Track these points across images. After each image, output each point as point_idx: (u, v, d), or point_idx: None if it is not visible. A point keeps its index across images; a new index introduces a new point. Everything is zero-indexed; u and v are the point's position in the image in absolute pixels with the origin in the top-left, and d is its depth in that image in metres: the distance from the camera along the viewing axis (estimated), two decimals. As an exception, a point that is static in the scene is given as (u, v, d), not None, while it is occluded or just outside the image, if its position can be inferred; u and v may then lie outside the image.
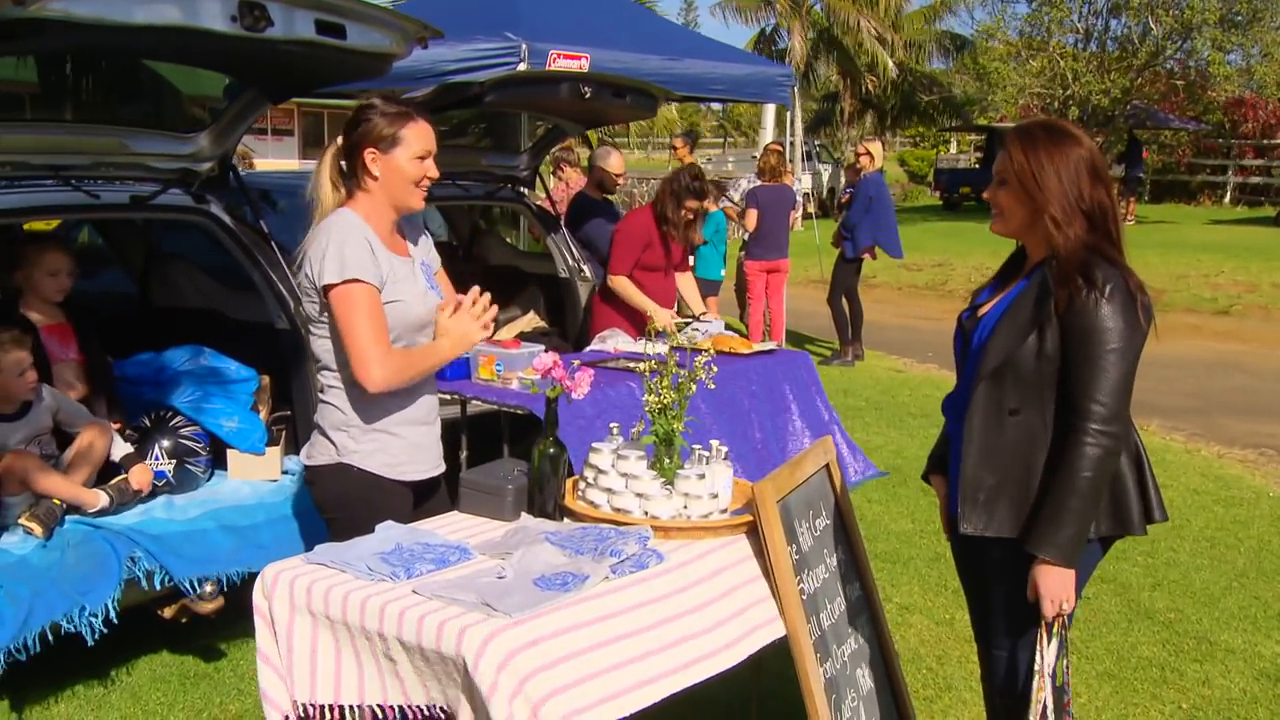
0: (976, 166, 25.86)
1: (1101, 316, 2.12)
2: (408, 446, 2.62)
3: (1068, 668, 2.26)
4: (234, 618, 3.40)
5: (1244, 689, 3.57)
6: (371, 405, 2.56)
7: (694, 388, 2.60)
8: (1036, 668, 2.23)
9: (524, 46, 6.14)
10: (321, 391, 2.61)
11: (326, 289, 2.46)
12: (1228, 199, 22.56)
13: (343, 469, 2.58)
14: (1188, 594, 4.35)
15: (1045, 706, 2.23)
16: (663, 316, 4.82)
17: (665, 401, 2.55)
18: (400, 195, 2.57)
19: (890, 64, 26.52)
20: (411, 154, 2.54)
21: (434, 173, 2.58)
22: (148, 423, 3.80)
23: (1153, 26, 18.35)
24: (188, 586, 3.31)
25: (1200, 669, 3.70)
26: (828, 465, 2.81)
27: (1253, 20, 18.00)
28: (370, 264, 2.47)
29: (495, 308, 2.67)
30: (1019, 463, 2.23)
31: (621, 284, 5.04)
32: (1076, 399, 2.15)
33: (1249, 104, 21.79)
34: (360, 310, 2.45)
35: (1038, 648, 2.23)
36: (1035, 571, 2.19)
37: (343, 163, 2.57)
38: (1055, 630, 2.22)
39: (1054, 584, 2.17)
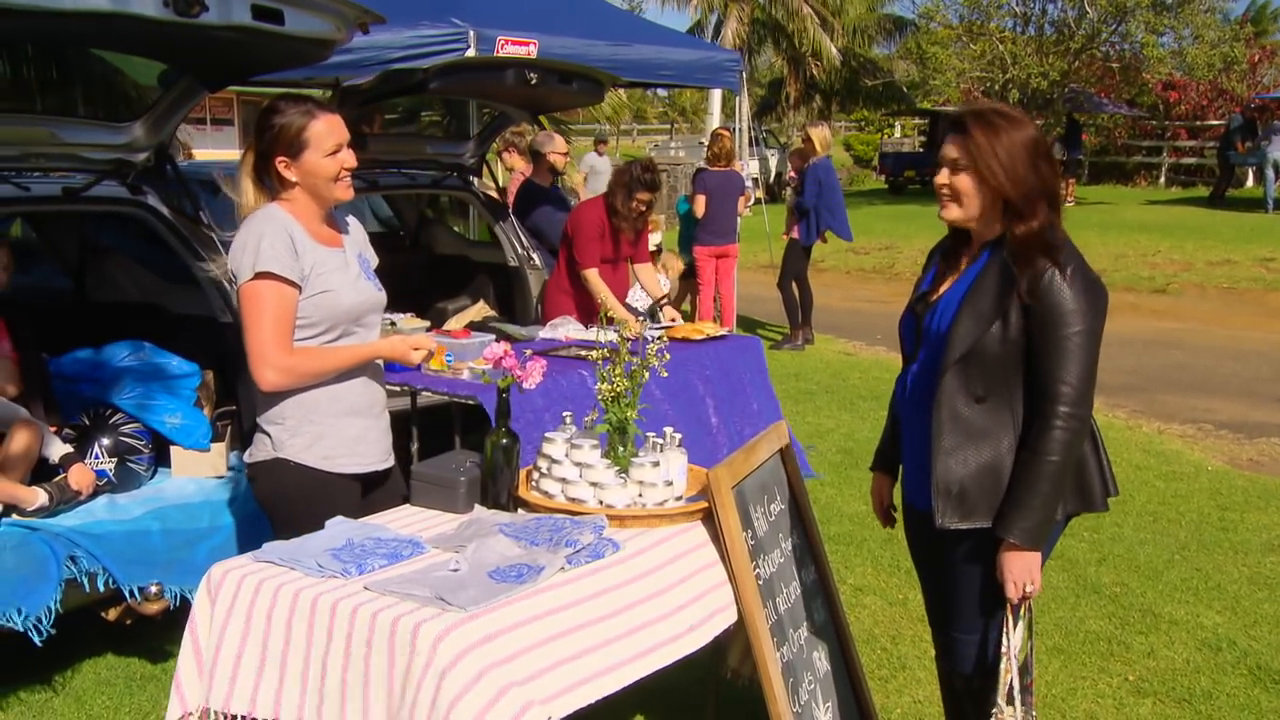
0: (921, 150, 26.12)
1: (1066, 299, 2.12)
2: (346, 439, 2.58)
3: (1031, 648, 2.29)
4: (180, 618, 3.32)
5: (1187, 659, 3.65)
6: (305, 398, 2.52)
7: (646, 375, 2.59)
8: (1004, 650, 2.24)
9: (472, 32, 6.06)
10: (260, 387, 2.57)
11: (239, 287, 2.45)
12: (1162, 180, 23.05)
13: (280, 464, 2.55)
14: (1132, 568, 4.44)
15: (1012, 687, 2.25)
16: (630, 322, 4.81)
17: (618, 389, 2.54)
18: (323, 193, 2.54)
19: (834, 50, 26.67)
20: (323, 152, 2.49)
21: (351, 162, 2.54)
22: (86, 421, 3.70)
23: (1088, 10, 18.67)
24: (129, 592, 3.23)
25: (1145, 641, 3.78)
26: (781, 450, 2.81)
27: (1183, 3, 18.37)
28: (288, 259, 2.44)
29: (429, 349, 2.75)
30: (989, 450, 2.23)
31: (594, 278, 5.01)
32: (1045, 382, 2.15)
33: (1180, 86, 22.26)
34: (265, 308, 2.42)
35: (1005, 630, 2.25)
36: (1002, 555, 2.20)
37: (259, 167, 2.53)
38: (1021, 613, 2.23)
39: (1020, 567, 2.19)
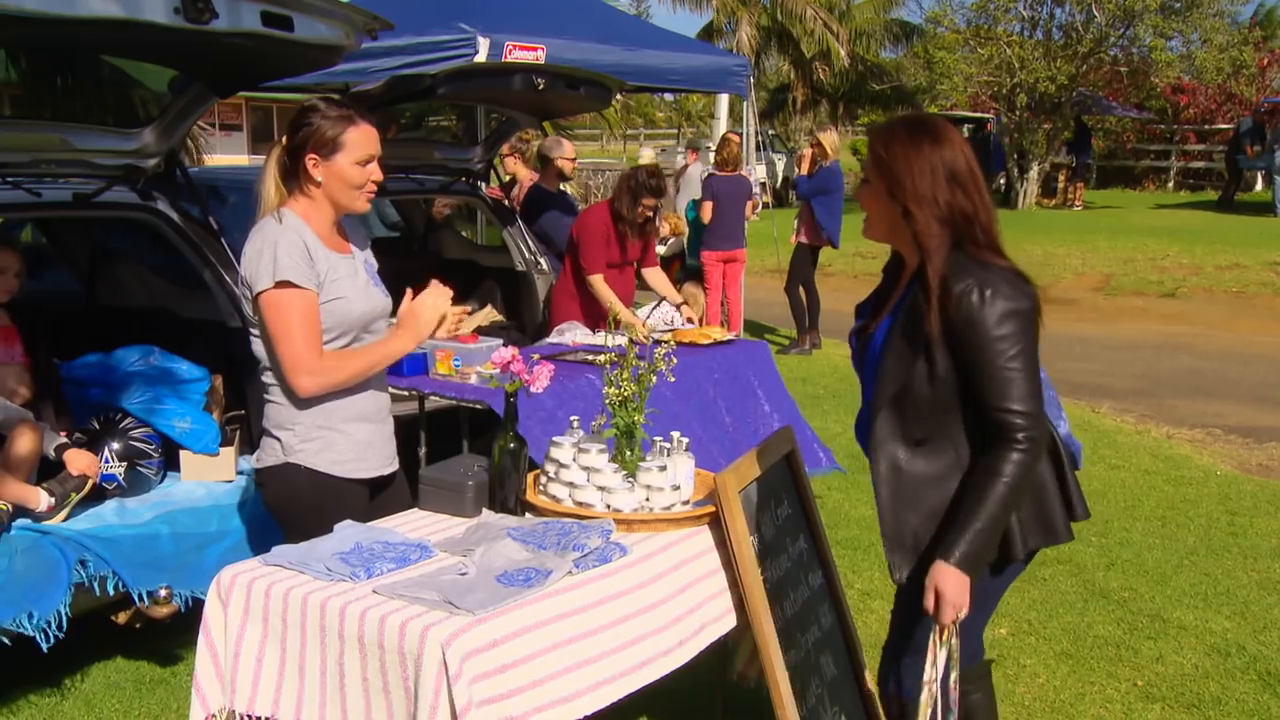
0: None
1: (989, 328, 1.99)
2: (355, 444, 2.58)
3: (951, 669, 2.14)
4: (190, 622, 3.34)
5: (1196, 664, 3.64)
6: (315, 403, 2.52)
7: (654, 379, 2.59)
8: (926, 678, 2.11)
9: (480, 38, 6.09)
10: (265, 392, 2.57)
11: (258, 295, 2.45)
12: (1171, 184, 22.99)
13: (290, 468, 2.55)
14: (1141, 573, 4.43)
15: (935, 713, 2.12)
16: (636, 325, 4.81)
17: (626, 394, 2.55)
18: (343, 199, 2.54)
19: (843, 53, 26.65)
20: (354, 159, 2.50)
21: (378, 176, 2.56)
22: (96, 425, 3.72)
23: (1096, 14, 18.62)
24: (138, 597, 3.24)
25: (1154, 646, 3.77)
26: (789, 454, 2.82)
27: (1191, 6, 18.32)
28: (305, 266, 2.45)
29: (450, 299, 2.65)
30: (937, 496, 2.13)
31: (598, 284, 5.03)
32: (991, 414, 2.03)
33: (1189, 90, 22.22)
34: (292, 316, 2.43)
35: (929, 656, 2.11)
36: (936, 573, 2.05)
37: (287, 162, 2.54)
38: (945, 639, 2.10)
39: (955, 589, 2.04)
